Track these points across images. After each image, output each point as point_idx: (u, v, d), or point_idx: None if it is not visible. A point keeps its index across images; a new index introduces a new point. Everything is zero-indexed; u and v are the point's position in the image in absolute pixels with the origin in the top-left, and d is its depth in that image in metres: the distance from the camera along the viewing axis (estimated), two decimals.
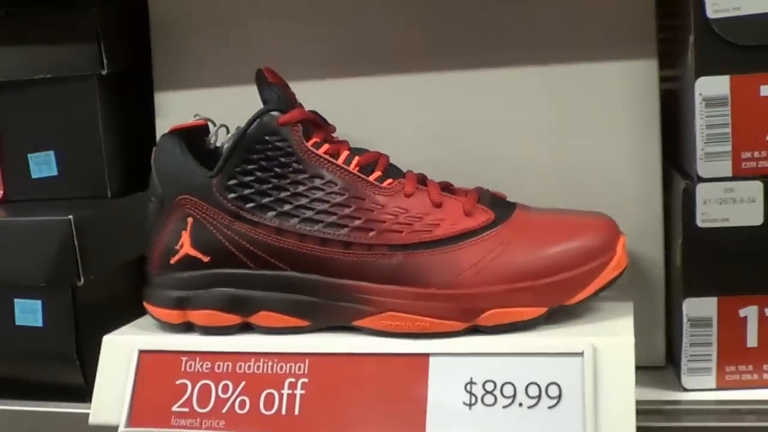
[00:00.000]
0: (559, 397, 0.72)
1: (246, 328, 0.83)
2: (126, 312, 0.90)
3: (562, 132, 0.89)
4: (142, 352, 0.82)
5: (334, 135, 0.85)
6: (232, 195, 0.81)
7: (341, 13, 0.94)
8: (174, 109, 1.00)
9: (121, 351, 0.83)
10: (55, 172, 0.98)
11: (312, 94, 0.87)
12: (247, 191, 0.81)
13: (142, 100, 1.00)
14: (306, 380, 0.77)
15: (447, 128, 0.92)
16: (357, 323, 0.80)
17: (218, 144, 0.88)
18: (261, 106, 0.82)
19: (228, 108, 0.90)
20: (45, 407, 0.90)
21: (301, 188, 0.80)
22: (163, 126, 0.99)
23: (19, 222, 0.90)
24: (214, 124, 0.88)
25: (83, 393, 0.90)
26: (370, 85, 0.93)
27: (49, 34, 0.95)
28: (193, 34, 0.99)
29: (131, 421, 0.79)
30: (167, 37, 0.99)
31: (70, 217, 0.88)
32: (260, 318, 0.81)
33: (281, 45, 0.96)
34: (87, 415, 0.82)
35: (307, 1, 0.95)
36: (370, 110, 0.94)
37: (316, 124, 0.83)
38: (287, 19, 0.96)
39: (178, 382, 0.80)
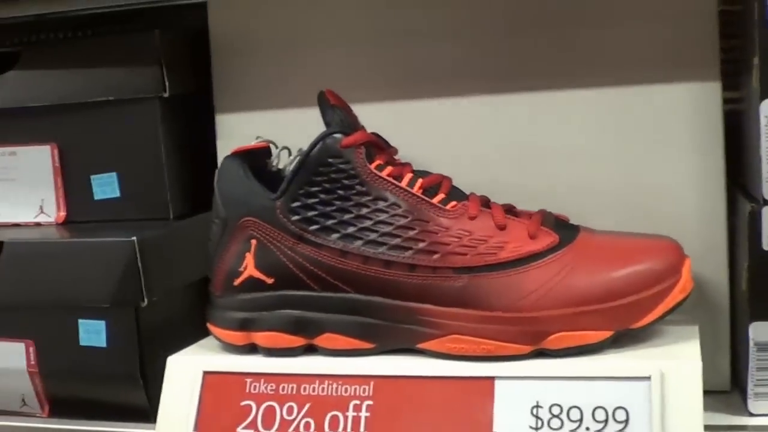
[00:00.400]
0: (627, 421, 0.71)
1: (310, 350, 0.83)
2: (188, 333, 0.90)
3: (624, 154, 0.89)
4: (206, 373, 0.82)
5: (396, 157, 0.86)
6: (295, 217, 0.81)
7: (402, 35, 0.94)
8: (234, 132, 1.00)
9: (185, 372, 0.83)
10: (117, 194, 0.99)
11: (373, 116, 0.88)
12: (310, 213, 0.81)
13: (203, 123, 1.01)
14: (371, 403, 0.77)
15: (508, 150, 0.92)
16: (421, 346, 0.80)
17: (280, 166, 0.89)
18: (322, 128, 0.83)
19: (288, 130, 0.91)
20: (109, 427, 0.90)
21: (364, 210, 0.80)
22: (223, 148, 1.00)
23: (84, 243, 0.91)
24: (276, 147, 0.89)
25: (146, 413, 0.90)
26: (432, 107, 0.94)
27: (113, 56, 0.96)
28: (253, 57, 0.99)
29: None
30: (227, 60, 1.00)
31: (135, 238, 0.88)
32: (324, 340, 0.82)
33: (342, 67, 0.96)
34: None
35: (367, 23, 0.95)
36: (431, 132, 0.94)
37: (378, 146, 0.84)
38: (348, 41, 0.96)
39: (242, 404, 0.80)
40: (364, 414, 0.77)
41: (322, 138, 0.82)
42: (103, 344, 0.91)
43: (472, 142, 0.93)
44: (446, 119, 0.93)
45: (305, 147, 0.83)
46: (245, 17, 1.00)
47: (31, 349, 0.94)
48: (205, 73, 1.01)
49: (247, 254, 0.83)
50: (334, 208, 0.81)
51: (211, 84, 1.01)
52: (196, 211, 0.99)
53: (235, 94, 1.00)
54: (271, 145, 0.89)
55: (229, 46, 1.00)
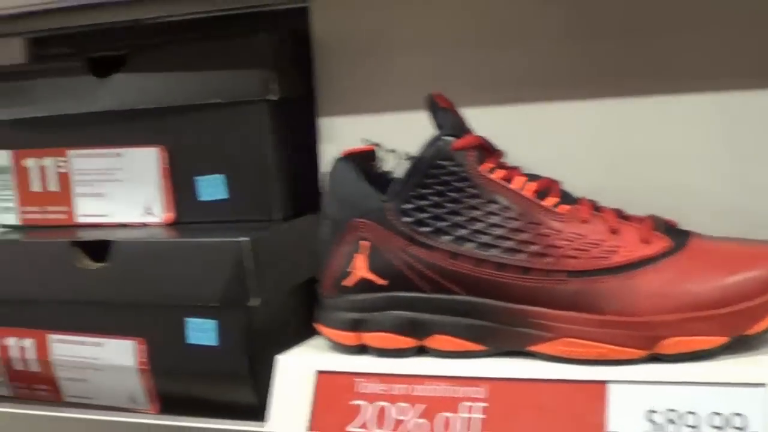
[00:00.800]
0: (745, 428, 0.71)
1: (420, 351, 0.84)
2: (295, 332, 0.92)
3: (734, 159, 0.89)
4: (318, 373, 0.83)
5: (504, 160, 0.86)
6: (407, 219, 0.82)
7: (509, 38, 0.94)
8: (337, 134, 1.01)
9: (296, 371, 0.84)
10: (224, 195, 1.00)
11: (479, 120, 0.88)
12: (422, 215, 0.82)
13: (306, 126, 1.02)
14: (484, 405, 0.78)
15: (617, 155, 0.92)
16: (532, 348, 0.80)
17: (386, 168, 0.89)
18: (424, 130, 0.83)
19: (389, 133, 0.92)
20: (217, 424, 0.92)
21: (476, 213, 0.81)
22: (326, 151, 1.01)
23: (194, 243, 0.93)
24: (383, 149, 0.90)
25: (254, 410, 0.91)
26: (539, 110, 0.94)
27: (222, 59, 0.98)
28: (355, 60, 1.00)
29: None
30: (330, 63, 1.01)
31: (247, 238, 0.90)
32: (435, 341, 0.82)
33: (446, 70, 0.97)
34: None
35: (473, 25, 0.96)
36: (538, 136, 0.94)
37: (488, 149, 0.84)
38: (453, 44, 0.97)
39: (353, 403, 0.81)
40: (476, 416, 0.77)
41: (433, 141, 0.82)
42: (213, 343, 0.92)
43: (579, 146, 0.93)
44: (554, 123, 0.94)
45: (409, 149, 0.84)
46: (348, 20, 1.01)
47: (142, 347, 0.96)
48: (308, 76, 1.02)
49: (358, 255, 0.84)
50: (445, 210, 0.81)
51: (314, 87, 1.02)
52: (299, 212, 1.00)
53: (337, 97, 1.01)
54: (378, 148, 0.90)
55: (332, 50, 1.02)
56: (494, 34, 0.95)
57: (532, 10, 0.94)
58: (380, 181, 0.87)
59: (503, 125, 0.93)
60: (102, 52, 1.05)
